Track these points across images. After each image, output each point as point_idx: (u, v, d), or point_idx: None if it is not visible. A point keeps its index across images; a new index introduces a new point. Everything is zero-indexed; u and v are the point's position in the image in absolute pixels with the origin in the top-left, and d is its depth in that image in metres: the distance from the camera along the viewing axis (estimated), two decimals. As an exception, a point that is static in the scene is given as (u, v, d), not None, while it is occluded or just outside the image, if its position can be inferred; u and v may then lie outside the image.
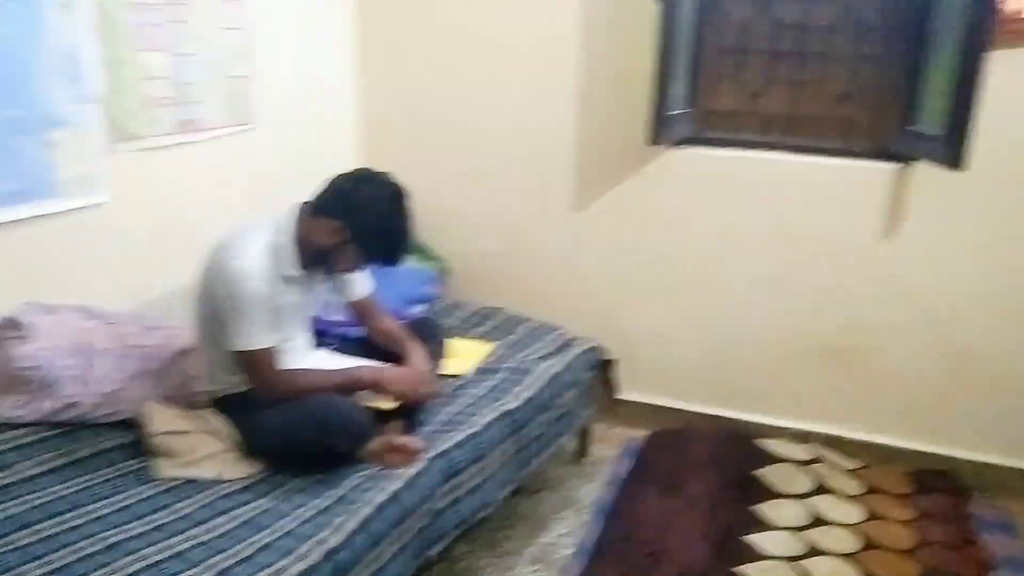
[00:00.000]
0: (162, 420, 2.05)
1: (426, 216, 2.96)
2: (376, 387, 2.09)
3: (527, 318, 2.90)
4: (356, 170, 2.09)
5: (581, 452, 2.88)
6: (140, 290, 2.42)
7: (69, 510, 1.77)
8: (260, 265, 1.97)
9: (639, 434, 3.05)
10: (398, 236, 2.05)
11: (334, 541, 1.69)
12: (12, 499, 1.79)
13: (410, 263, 2.99)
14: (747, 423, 3.02)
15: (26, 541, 1.66)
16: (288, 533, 1.72)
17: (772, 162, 2.83)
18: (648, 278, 3.01)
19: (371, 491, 1.86)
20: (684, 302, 3.00)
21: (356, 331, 2.44)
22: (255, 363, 1.99)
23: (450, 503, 2.03)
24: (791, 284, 2.88)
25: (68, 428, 2.04)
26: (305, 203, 2.09)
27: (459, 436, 2.11)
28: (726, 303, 2.95)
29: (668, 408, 3.10)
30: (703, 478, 2.75)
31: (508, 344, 2.71)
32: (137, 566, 1.60)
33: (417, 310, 2.90)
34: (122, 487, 1.88)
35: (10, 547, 1.64)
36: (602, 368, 2.83)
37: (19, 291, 2.11)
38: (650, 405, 3.11)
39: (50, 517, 1.74)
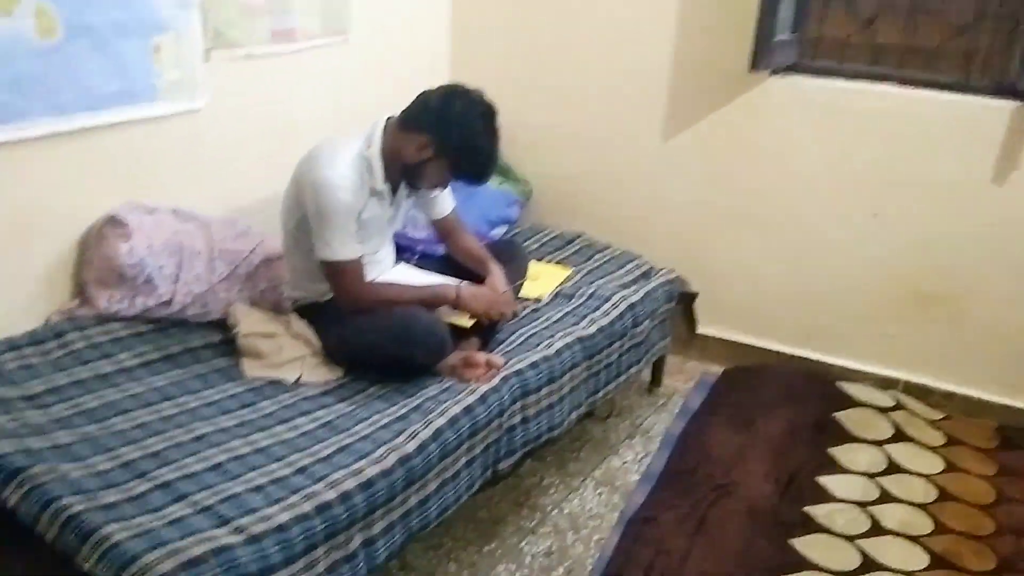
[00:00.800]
0: (250, 322, 2.14)
1: (512, 136, 2.90)
2: (456, 304, 2.11)
3: (608, 245, 2.87)
4: (447, 86, 2.08)
5: (654, 382, 2.87)
6: (232, 196, 2.48)
7: (162, 400, 1.88)
8: (349, 176, 1.99)
9: (715, 369, 3.02)
10: (485, 154, 2.04)
11: (408, 448, 1.74)
12: (111, 387, 1.91)
13: (493, 185, 2.99)
14: (829, 365, 2.95)
15: (123, 426, 1.77)
16: (365, 437, 1.78)
17: (881, 95, 2.67)
18: (736, 211, 2.93)
19: (446, 403, 1.90)
20: (773, 237, 2.90)
21: (437, 249, 2.47)
22: (340, 273, 2.03)
23: (520, 421, 2.06)
24: (889, 224, 2.75)
25: (161, 325, 2.15)
26: (394, 117, 2.09)
27: (533, 357, 2.12)
28: (818, 240, 2.85)
29: (747, 345, 3.04)
30: (778, 416, 2.71)
31: (587, 270, 2.70)
32: (223, 457, 1.68)
33: (498, 232, 2.91)
34: (211, 383, 1.98)
35: (108, 430, 1.75)
36: (682, 301, 2.79)
37: (118, 191, 2.19)
38: (728, 341, 3.07)
39: (145, 406, 1.85)
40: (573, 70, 3.04)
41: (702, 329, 3.02)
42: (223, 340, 2.15)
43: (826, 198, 2.80)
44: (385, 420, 1.85)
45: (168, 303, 2.15)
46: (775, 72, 2.75)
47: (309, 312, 2.17)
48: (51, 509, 1.50)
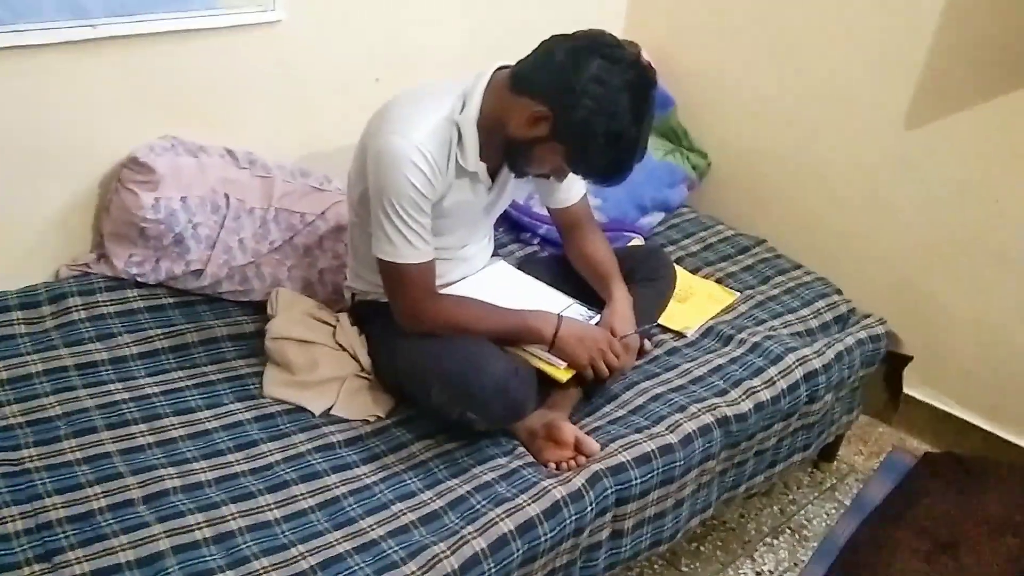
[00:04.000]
0: (288, 319, 1.64)
1: (694, 92, 2.34)
2: (551, 346, 1.50)
3: (796, 265, 2.12)
4: (584, 34, 1.39)
5: (824, 455, 2.11)
6: (311, 138, 1.94)
7: (139, 420, 1.42)
8: (427, 149, 1.40)
9: (913, 444, 2.22)
10: (624, 147, 1.38)
11: (431, 584, 1.17)
12: (90, 385, 1.48)
13: (657, 154, 2.31)
14: (1086, 480, 2.05)
15: (70, 456, 1.33)
16: (367, 546, 1.23)
17: None
18: (992, 242, 2.03)
19: (502, 506, 1.30)
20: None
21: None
22: (399, 280, 1.48)
23: (610, 536, 1.44)
24: None
25: (188, 298, 1.70)
26: (506, 68, 1.46)
27: (646, 445, 1.46)
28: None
29: (966, 423, 2.18)
30: (997, 546, 1.88)
31: (759, 299, 1.97)
32: (164, 543, 1.19)
33: (650, 221, 2.22)
34: (215, 399, 1.51)
35: (48, 461, 1.30)
36: (888, 362, 2.00)
37: (157, 121, 1.71)
38: (940, 411, 2.22)
39: (114, 426, 1.41)
40: (790, 10, 2.20)
41: (905, 388, 2.20)
42: (256, 331, 1.67)
43: None
44: (412, 516, 1.30)
45: (199, 273, 1.70)
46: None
47: (368, 312, 1.64)
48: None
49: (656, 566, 1.80)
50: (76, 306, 1.59)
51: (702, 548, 1.87)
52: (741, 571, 1.83)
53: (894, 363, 2.05)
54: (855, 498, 2.01)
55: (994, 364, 2.11)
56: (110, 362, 1.52)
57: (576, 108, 1.33)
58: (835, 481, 2.11)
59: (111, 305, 1.62)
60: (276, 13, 1.77)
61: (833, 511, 2.01)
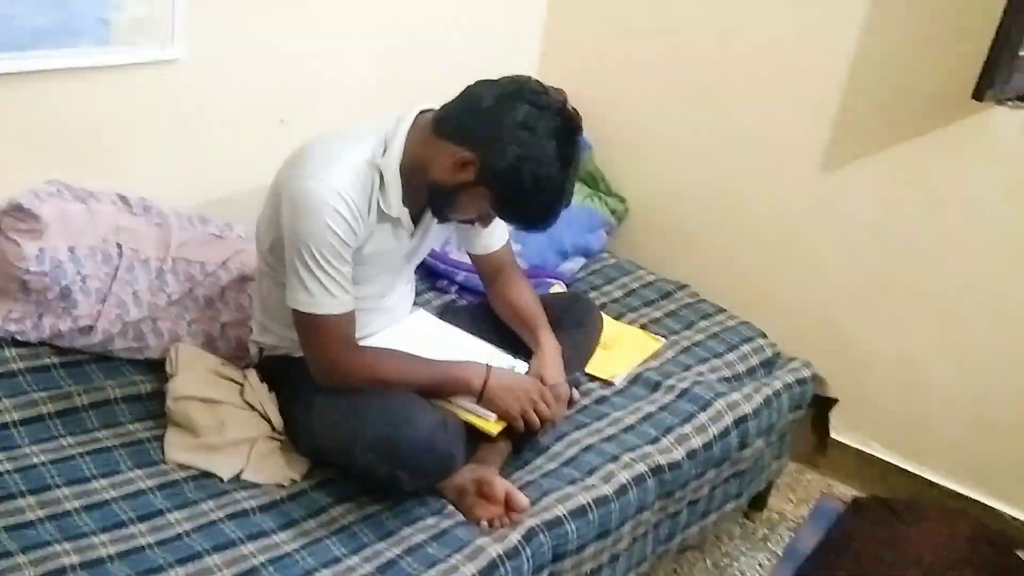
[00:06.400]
0: (190, 377, 1.66)
1: (610, 135, 2.51)
2: (480, 398, 1.58)
3: (720, 309, 2.27)
4: (511, 80, 1.50)
5: (754, 505, 2.24)
6: (212, 183, 2.00)
7: (28, 492, 1.41)
8: (347, 193, 1.47)
9: (841, 490, 2.39)
10: (551, 193, 1.49)
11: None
12: (-34, 456, 1.45)
13: (576, 199, 2.35)
14: (1012, 521, 2.26)
15: (-52, 537, 1.29)
16: (293, 616, 1.26)
17: None
18: (910, 283, 2.24)
19: (438, 565, 1.37)
20: (959, 326, 2.21)
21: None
22: (317, 332, 1.53)
23: (544, 597, 1.50)
24: None
25: (76, 358, 1.70)
26: (429, 112, 1.56)
27: (581, 498, 1.55)
28: None
29: (892, 466, 2.38)
30: (927, 590, 2.06)
31: (685, 346, 2.10)
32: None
33: (571, 267, 2.36)
34: (111, 466, 1.51)
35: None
36: (815, 405, 2.18)
37: (43, 165, 1.72)
38: (866, 455, 2.41)
39: (1, 500, 1.38)
40: (705, 57, 2.40)
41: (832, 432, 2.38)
42: (154, 391, 1.68)
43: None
44: (331, 584, 1.33)
45: (89, 329, 1.70)
46: (1004, 101, 2.03)
47: (278, 368, 1.69)
48: None
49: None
50: (-55, 370, 1.57)
51: (635, 608, 1.96)
52: (677, 630, 1.93)
53: (820, 406, 2.22)
54: (787, 548, 2.17)
55: (916, 405, 2.31)
56: (-11, 430, 1.51)
57: (503, 153, 1.43)
58: (767, 531, 2.24)
59: (-11, 366, 1.60)
60: (175, 51, 1.82)
61: (767, 561, 2.14)
